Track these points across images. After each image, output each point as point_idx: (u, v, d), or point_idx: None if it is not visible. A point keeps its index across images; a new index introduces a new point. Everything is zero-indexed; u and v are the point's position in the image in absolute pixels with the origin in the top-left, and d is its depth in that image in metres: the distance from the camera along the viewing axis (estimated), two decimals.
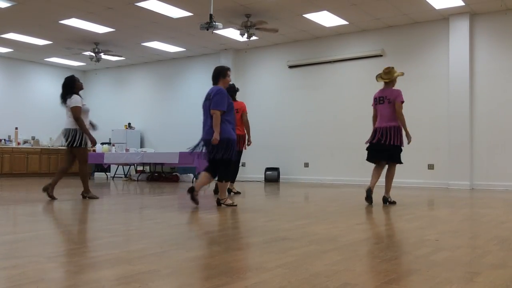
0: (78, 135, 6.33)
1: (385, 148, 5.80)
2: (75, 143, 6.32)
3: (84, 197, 6.46)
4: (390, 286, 2.06)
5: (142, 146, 14.50)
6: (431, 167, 10.09)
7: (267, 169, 12.01)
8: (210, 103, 5.33)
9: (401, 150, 5.89)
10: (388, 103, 5.84)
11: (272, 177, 11.85)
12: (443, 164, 9.96)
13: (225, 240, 3.24)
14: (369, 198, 5.76)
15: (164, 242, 3.08)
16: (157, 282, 2.10)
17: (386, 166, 6.01)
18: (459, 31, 9.79)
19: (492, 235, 3.49)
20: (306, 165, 11.83)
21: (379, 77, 6.03)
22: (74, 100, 6.27)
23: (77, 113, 6.23)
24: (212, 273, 2.26)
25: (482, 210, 5.32)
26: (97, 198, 6.47)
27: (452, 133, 9.80)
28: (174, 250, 2.81)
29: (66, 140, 6.38)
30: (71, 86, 6.38)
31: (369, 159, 6.05)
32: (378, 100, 5.97)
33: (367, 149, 6.05)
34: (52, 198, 6.25)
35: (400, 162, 5.91)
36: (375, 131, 5.95)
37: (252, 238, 3.34)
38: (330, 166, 11.47)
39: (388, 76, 5.93)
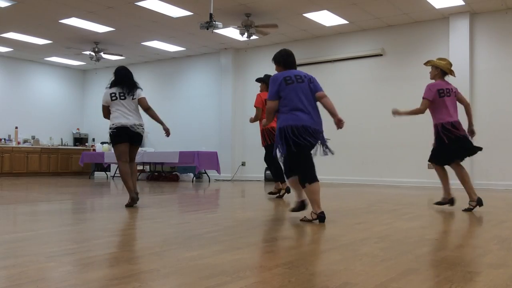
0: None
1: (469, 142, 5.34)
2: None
3: (137, 198, 5.59)
4: (390, 285, 2.06)
5: (142, 145, 14.48)
6: (431, 166, 10.08)
7: (267, 168, 12.00)
8: (313, 85, 4.40)
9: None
10: (454, 96, 5.41)
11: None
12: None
13: (224, 239, 3.24)
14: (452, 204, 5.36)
15: (164, 242, 3.08)
16: (157, 282, 2.10)
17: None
18: (459, 31, 9.79)
19: (492, 235, 3.49)
20: None
21: (448, 66, 5.46)
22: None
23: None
24: (212, 272, 2.26)
25: (482, 210, 5.31)
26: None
27: None
28: (174, 250, 2.81)
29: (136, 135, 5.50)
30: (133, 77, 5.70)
31: (456, 158, 5.39)
32: (446, 92, 5.33)
33: (454, 147, 5.30)
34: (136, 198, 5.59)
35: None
36: (453, 126, 5.25)
37: (252, 237, 3.34)
38: (330, 166, 11.45)
39: (449, 66, 5.46)
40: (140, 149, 12.70)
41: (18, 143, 13.90)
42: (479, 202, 5.07)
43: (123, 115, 5.42)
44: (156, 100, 14.49)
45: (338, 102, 11.24)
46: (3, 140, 13.70)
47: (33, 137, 14.36)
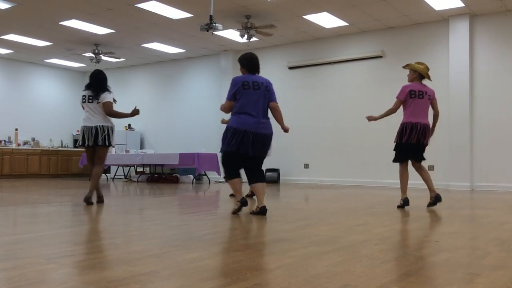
0: (111, 132, 5.84)
1: (422, 147, 5.61)
2: (107, 141, 5.79)
3: (102, 200, 5.90)
4: (390, 287, 2.06)
5: (142, 147, 14.50)
6: (431, 168, 10.08)
7: (267, 170, 12.01)
8: (268, 94, 4.76)
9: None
10: (428, 99, 5.55)
11: (272, 178, 11.85)
12: (443, 165, 9.95)
13: (225, 241, 3.24)
14: (407, 204, 5.66)
15: (164, 243, 3.08)
16: (157, 283, 2.10)
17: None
18: (459, 32, 9.80)
19: (492, 236, 3.49)
20: (306, 166, 11.83)
21: (426, 70, 5.62)
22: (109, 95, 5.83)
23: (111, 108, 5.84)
24: (212, 274, 2.26)
25: (482, 211, 5.32)
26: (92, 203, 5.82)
27: (452, 134, 9.80)
28: (174, 251, 2.81)
29: (97, 137, 5.71)
30: (105, 82, 5.92)
31: (402, 159, 5.67)
32: (418, 94, 5.51)
33: (401, 148, 5.60)
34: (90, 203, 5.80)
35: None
36: (412, 128, 5.49)
37: (252, 239, 3.34)
38: (330, 167, 11.47)
39: (427, 71, 5.67)
40: (140, 150, 12.78)
41: (18, 144, 13.90)
42: (406, 202, 5.61)
43: (88, 117, 5.75)
44: (156, 102, 14.53)
45: (338, 103, 11.37)
46: (3, 142, 13.70)
47: (33, 139, 14.36)
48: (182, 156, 11.15)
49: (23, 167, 13.51)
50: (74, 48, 12.49)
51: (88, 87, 5.85)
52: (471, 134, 9.70)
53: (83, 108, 5.85)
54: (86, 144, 5.75)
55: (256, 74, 4.85)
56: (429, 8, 9.37)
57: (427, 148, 5.77)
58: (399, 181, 5.84)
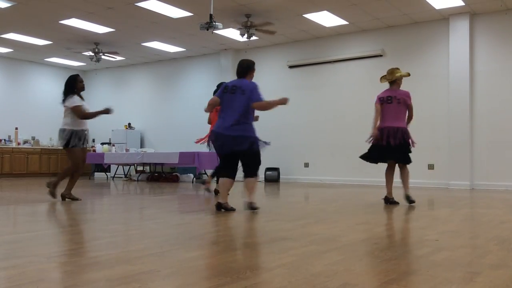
0: (73, 136, 6.06)
1: (395, 148, 5.78)
2: (69, 144, 6.02)
3: (64, 198, 6.13)
4: (390, 286, 2.06)
5: (142, 146, 14.49)
6: (431, 167, 10.08)
7: (267, 169, 12.01)
8: (244, 96, 5.01)
9: (409, 151, 5.88)
10: (397, 103, 5.82)
11: (272, 177, 11.85)
12: (443, 164, 9.95)
13: (225, 240, 3.24)
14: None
15: (164, 242, 3.08)
16: (157, 282, 2.10)
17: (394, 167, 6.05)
18: (459, 31, 9.79)
19: (492, 235, 3.49)
20: (306, 165, 11.83)
21: (383, 78, 6.05)
22: (73, 100, 6.08)
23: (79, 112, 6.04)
24: (212, 273, 2.26)
25: (482, 210, 5.32)
26: (79, 199, 6.17)
27: (452, 133, 9.79)
28: (174, 250, 2.82)
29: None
30: (72, 86, 6.26)
31: (376, 159, 6.01)
32: (386, 100, 5.88)
33: (371, 148, 5.98)
34: (53, 196, 6.10)
35: (409, 162, 5.88)
36: (381, 130, 5.85)
37: (252, 238, 3.34)
38: (330, 166, 11.47)
39: (391, 77, 5.95)
40: (140, 149, 12.78)
41: (18, 143, 13.90)
42: (387, 200, 5.95)
43: (82, 121, 6.13)
44: (156, 101, 14.53)
45: (338, 102, 11.37)
46: (3, 140, 13.70)
47: (33, 138, 14.36)
48: (182, 155, 11.15)
49: (23, 166, 13.51)
50: (74, 47, 12.48)
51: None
52: (471, 133, 9.69)
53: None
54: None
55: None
56: (429, 7, 9.37)
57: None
58: (401, 182, 5.99)
